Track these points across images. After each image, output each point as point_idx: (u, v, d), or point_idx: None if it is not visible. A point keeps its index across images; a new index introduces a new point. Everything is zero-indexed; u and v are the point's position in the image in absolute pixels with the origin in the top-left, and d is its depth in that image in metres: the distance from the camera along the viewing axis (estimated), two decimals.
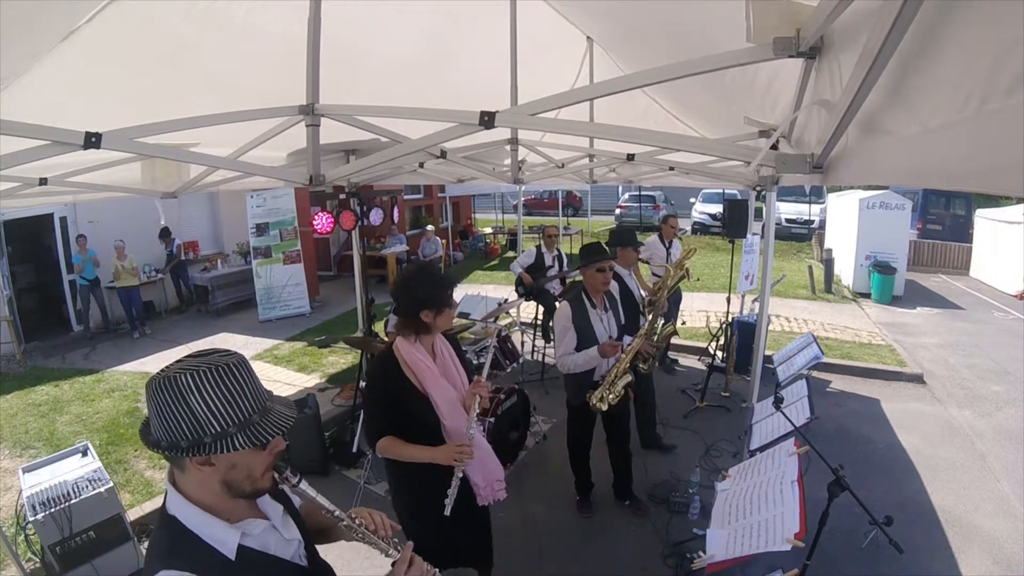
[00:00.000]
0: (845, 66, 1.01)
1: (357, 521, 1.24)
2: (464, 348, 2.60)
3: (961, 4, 0.63)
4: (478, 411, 2.13)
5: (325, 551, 1.38)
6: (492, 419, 3.81)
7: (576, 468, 3.65)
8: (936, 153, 0.77)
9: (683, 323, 7.45)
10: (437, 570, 1.34)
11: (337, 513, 1.21)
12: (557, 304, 6.58)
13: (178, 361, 1.04)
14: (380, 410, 2.17)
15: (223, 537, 1.04)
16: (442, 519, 2.01)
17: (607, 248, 3.38)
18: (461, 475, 2.05)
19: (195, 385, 0.98)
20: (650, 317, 3.43)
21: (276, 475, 1.12)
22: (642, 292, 4.54)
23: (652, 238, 5.98)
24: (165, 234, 9.18)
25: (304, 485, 1.16)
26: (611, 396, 3.10)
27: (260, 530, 1.12)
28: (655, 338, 3.45)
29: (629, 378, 3.15)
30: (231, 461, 1.03)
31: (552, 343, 6.63)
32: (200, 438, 0.98)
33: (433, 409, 2.11)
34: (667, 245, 5.86)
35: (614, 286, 3.50)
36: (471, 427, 2.09)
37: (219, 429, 0.99)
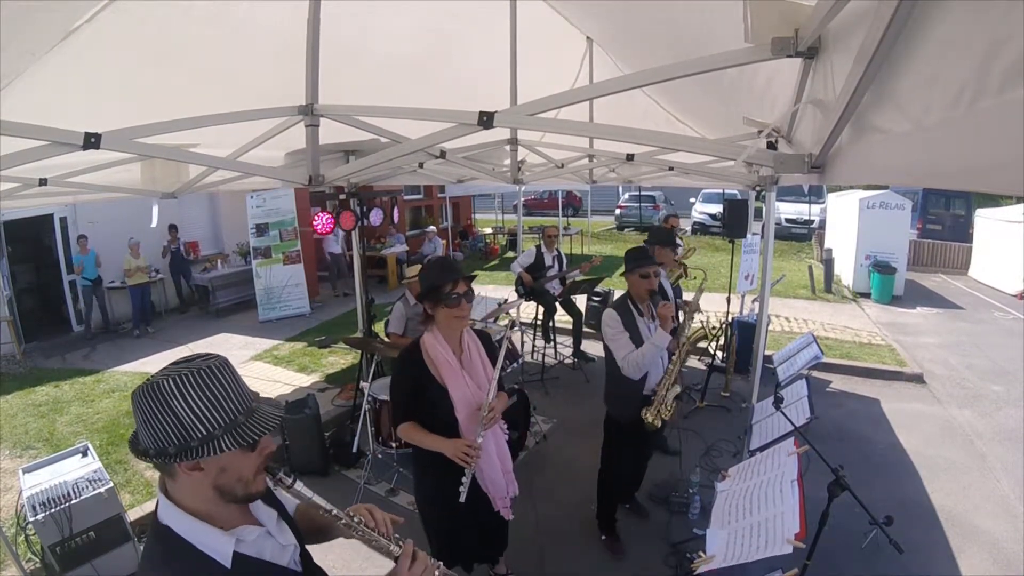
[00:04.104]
0: (843, 65, 1.01)
1: (356, 519, 1.22)
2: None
3: (950, 2, 0.64)
4: (488, 417, 2.18)
5: (327, 549, 1.37)
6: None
7: (604, 491, 3.32)
8: (930, 151, 0.77)
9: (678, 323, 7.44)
10: (441, 563, 1.31)
11: (335, 512, 1.19)
12: (557, 304, 6.62)
13: (161, 369, 1.04)
14: (401, 397, 2.28)
15: (217, 545, 1.03)
16: (456, 509, 2.17)
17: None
18: (472, 471, 2.15)
19: (178, 390, 0.98)
20: (682, 320, 3.28)
21: (270, 477, 1.10)
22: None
23: None
24: (173, 229, 9.32)
25: (300, 486, 1.13)
26: (664, 409, 2.91)
27: (255, 536, 1.11)
28: (684, 341, 3.33)
29: (679, 389, 2.98)
30: (220, 464, 1.02)
31: (552, 343, 6.64)
32: (187, 442, 0.98)
33: (450, 403, 2.19)
34: None
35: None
36: (480, 433, 2.15)
37: (205, 432, 0.99)
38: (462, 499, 2.14)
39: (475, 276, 2.35)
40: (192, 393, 0.99)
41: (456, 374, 2.20)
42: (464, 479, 2.14)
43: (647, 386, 2.97)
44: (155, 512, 1.07)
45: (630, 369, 2.82)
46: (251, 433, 1.02)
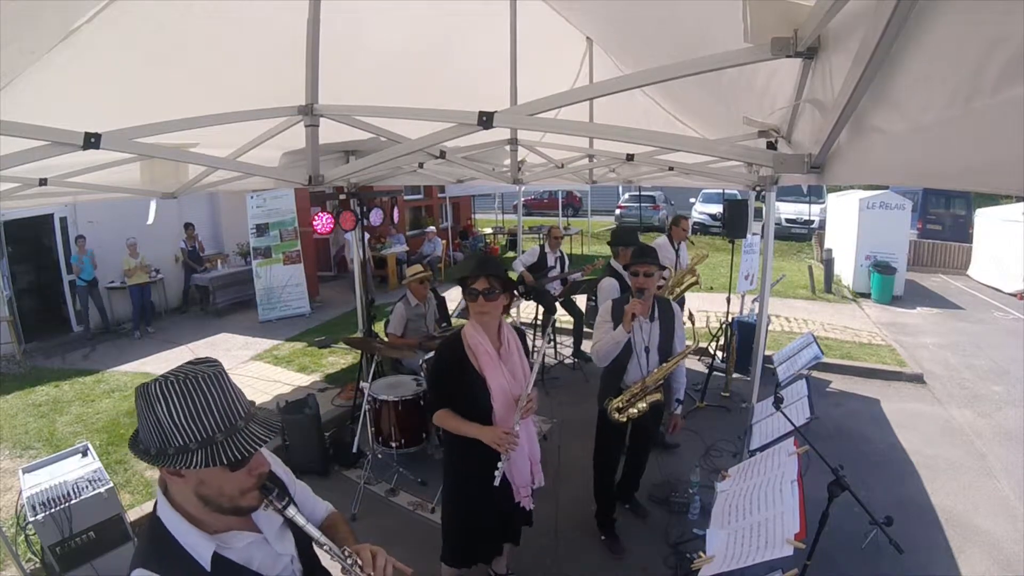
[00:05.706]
0: (842, 65, 1.01)
1: (350, 561, 1.16)
2: None
3: (944, 3, 0.64)
4: (524, 408, 2.25)
5: None
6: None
7: (600, 489, 3.38)
8: (927, 151, 0.77)
9: (685, 324, 7.44)
10: None
11: (328, 547, 1.15)
12: (557, 304, 6.61)
13: (167, 371, 1.04)
14: (440, 384, 2.36)
15: (199, 547, 1.04)
16: (481, 495, 2.28)
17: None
18: (508, 457, 2.20)
19: (163, 396, 0.98)
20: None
21: (265, 497, 1.09)
22: None
23: (662, 239, 5.91)
24: (190, 227, 9.36)
25: (292, 511, 1.11)
26: (632, 411, 2.96)
27: (244, 543, 1.11)
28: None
29: (657, 397, 3.01)
30: (199, 477, 1.02)
31: (552, 343, 6.64)
32: (164, 449, 0.99)
33: (487, 392, 2.24)
34: (676, 247, 5.84)
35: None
36: (518, 422, 2.21)
37: (181, 443, 0.98)
38: (496, 483, 2.18)
39: (507, 277, 2.31)
40: (175, 402, 0.98)
41: (494, 364, 2.27)
42: (500, 464, 2.18)
43: (624, 381, 3.07)
44: (155, 504, 1.09)
45: (595, 356, 3.07)
46: (226, 453, 0.99)
